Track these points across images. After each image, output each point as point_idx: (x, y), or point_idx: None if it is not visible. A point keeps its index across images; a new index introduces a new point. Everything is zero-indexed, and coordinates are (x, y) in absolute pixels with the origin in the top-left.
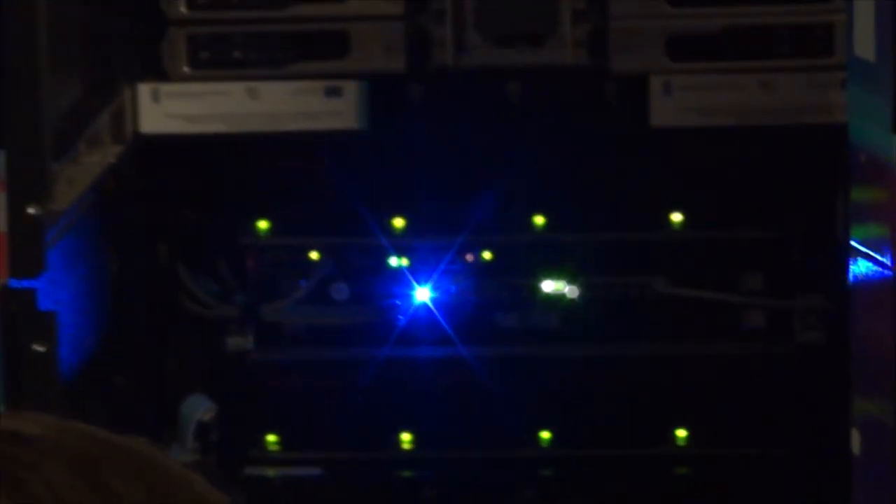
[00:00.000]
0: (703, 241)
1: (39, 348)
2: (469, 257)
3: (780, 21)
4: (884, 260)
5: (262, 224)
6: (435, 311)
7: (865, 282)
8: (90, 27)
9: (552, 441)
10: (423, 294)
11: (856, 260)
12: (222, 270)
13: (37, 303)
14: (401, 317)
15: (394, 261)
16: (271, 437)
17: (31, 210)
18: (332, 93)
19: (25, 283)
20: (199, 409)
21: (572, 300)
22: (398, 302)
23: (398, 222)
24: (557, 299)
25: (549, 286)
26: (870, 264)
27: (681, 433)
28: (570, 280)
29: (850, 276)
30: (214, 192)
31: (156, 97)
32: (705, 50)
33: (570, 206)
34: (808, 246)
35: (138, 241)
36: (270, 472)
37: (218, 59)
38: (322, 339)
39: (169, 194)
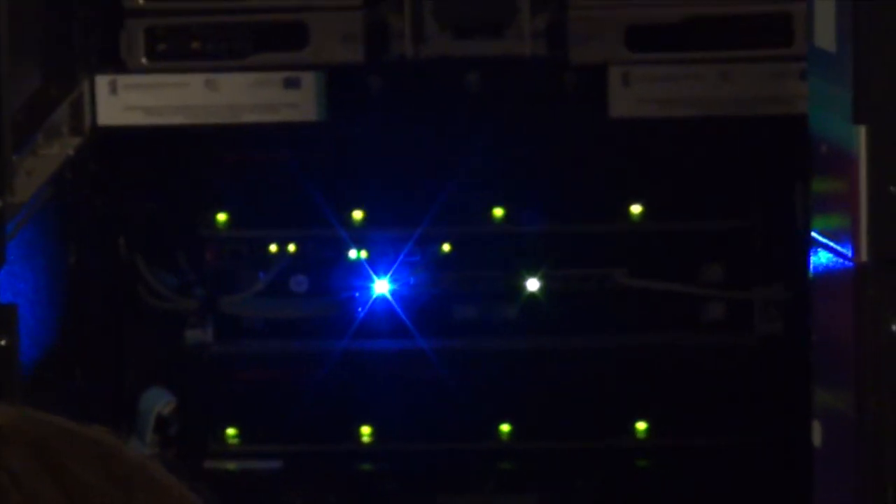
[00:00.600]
0: (662, 233)
1: (1, 342)
2: (428, 249)
3: (739, 11)
4: (844, 251)
5: (221, 216)
6: (394, 303)
7: (826, 273)
8: (49, 17)
9: (512, 434)
10: (382, 286)
11: (816, 251)
12: (181, 263)
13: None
14: (360, 309)
15: (353, 253)
16: (231, 431)
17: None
18: (291, 84)
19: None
20: (158, 402)
21: (532, 292)
22: (357, 294)
23: (357, 214)
24: (517, 291)
25: (508, 278)
26: (830, 255)
27: (641, 425)
28: (530, 272)
29: (811, 267)
30: (173, 185)
31: (114, 89)
32: (665, 40)
33: (530, 198)
34: (768, 237)
35: (97, 234)
36: (230, 465)
37: (176, 50)
38: (281, 331)
39: (128, 186)
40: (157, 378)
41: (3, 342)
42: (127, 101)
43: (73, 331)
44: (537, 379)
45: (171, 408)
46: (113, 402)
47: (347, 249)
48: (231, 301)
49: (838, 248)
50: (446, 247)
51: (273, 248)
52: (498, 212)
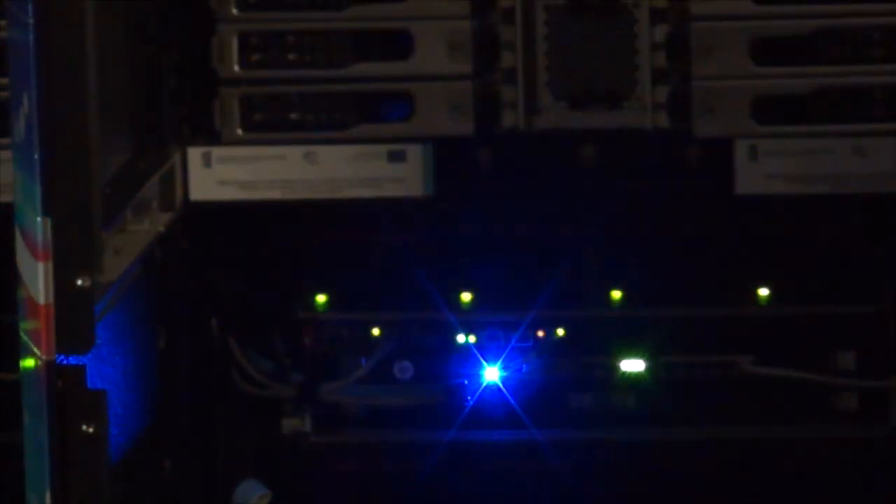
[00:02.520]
0: (791, 317)
1: (88, 429)
2: (541, 334)
3: (873, 81)
4: None
5: (320, 298)
6: (505, 391)
7: None
8: (139, 87)
9: None
10: (492, 373)
11: None
12: (277, 347)
13: (85, 380)
14: (468, 398)
15: (461, 338)
16: None
17: (79, 281)
18: (396, 157)
19: (73, 360)
20: (252, 495)
21: (651, 380)
22: (466, 382)
23: (465, 296)
24: (636, 379)
25: (627, 365)
26: None
27: None
28: (650, 359)
29: None
30: (269, 263)
31: (207, 161)
32: (794, 112)
33: (650, 280)
34: None
35: (188, 315)
36: None
37: (273, 120)
38: (385, 421)
39: (221, 265)
40: (251, 470)
41: (91, 430)
42: (221, 174)
43: (163, 419)
44: (657, 473)
45: (267, 502)
46: (204, 496)
47: (455, 334)
48: (331, 388)
49: None
50: (560, 331)
51: (376, 331)
52: (615, 294)
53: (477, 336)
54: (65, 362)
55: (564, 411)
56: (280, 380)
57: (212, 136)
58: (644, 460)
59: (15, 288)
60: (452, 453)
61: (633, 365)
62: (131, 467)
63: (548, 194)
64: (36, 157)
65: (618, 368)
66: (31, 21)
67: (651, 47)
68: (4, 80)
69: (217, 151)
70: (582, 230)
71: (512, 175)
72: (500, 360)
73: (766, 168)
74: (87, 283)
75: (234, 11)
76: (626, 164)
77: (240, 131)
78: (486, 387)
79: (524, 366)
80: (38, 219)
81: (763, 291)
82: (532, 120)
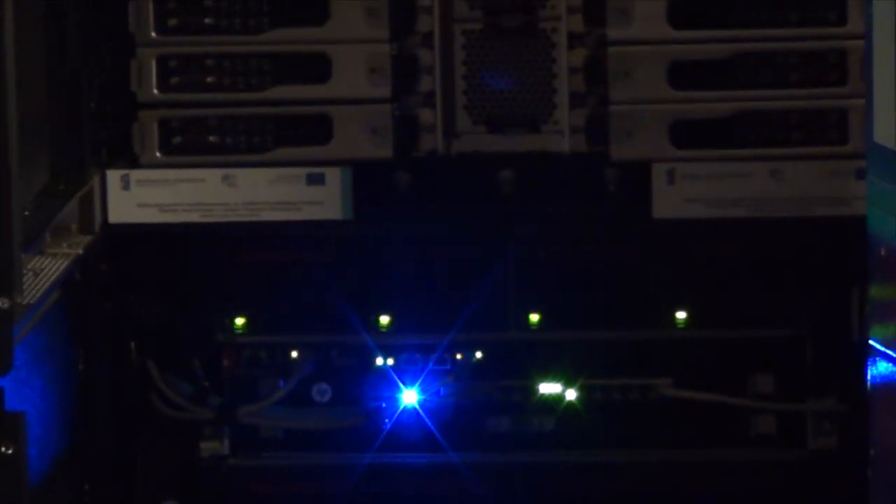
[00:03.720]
0: (709, 341)
1: (6, 450)
2: (459, 357)
3: (791, 106)
4: None
5: (239, 320)
6: (423, 414)
7: (885, 383)
8: (58, 109)
9: None
10: (410, 396)
11: (874, 360)
12: (196, 369)
13: (3, 402)
14: (386, 420)
15: (379, 361)
16: None
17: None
18: (315, 180)
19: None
20: None
21: (570, 403)
22: (384, 404)
23: (384, 319)
24: (554, 402)
25: (544, 388)
26: (890, 365)
27: None
28: (568, 382)
29: (869, 377)
30: (188, 286)
31: (126, 184)
32: (711, 136)
33: (568, 303)
34: (822, 345)
35: (107, 338)
36: None
37: (192, 143)
38: (302, 443)
39: (139, 288)
40: (170, 492)
41: (9, 451)
42: (140, 197)
43: (82, 441)
44: (575, 495)
45: None
46: None
47: (373, 357)
48: (249, 411)
49: None
50: (478, 354)
51: (294, 354)
52: (533, 317)
53: (395, 359)
54: None
55: (482, 434)
56: (199, 403)
57: (131, 159)
58: (562, 483)
59: None
60: (370, 476)
61: (550, 388)
62: (50, 490)
63: (467, 217)
64: None
65: (536, 392)
66: None
67: (569, 71)
68: None
69: (136, 174)
70: (500, 254)
71: (431, 198)
72: (418, 384)
73: (684, 192)
74: (6, 305)
75: (153, 35)
76: (545, 188)
77: (159, 154)
78: (404, 410)
79: (442, 389)
80: None
81: (681, 315)
82: (451, 143)
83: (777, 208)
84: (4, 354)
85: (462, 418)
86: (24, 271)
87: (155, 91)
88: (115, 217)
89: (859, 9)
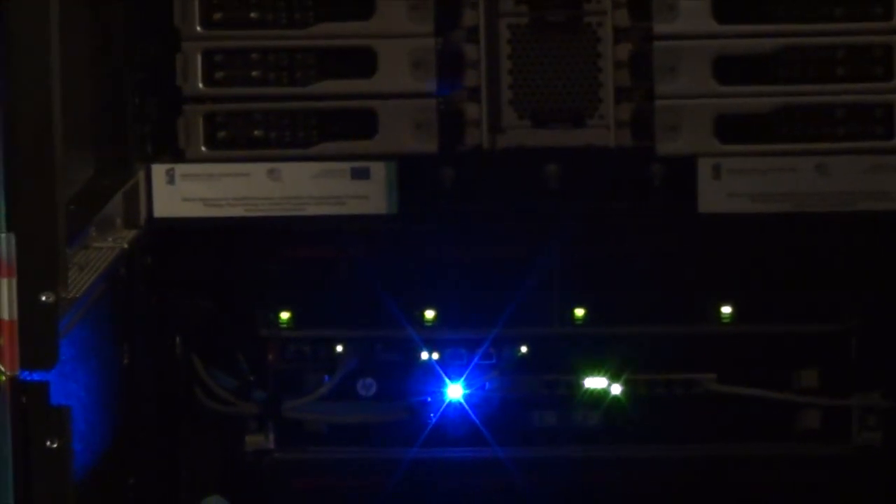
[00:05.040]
0: (754, 336)
1: (52, 444)
2: (504, 352)
3: (836, 101)
4: None
5: (284, 315)
6: (468, 408)
7: None
8: (103, 105)
9: None
10: (455, 391)
11: None
12: (241, 364)
13: (49, 396)
14: (431, 415)
15: (424, 355)
16: None
17: (43, 297)
18: (360, 175)
19: (37, 376)
20: None
21: (614, 398)
22: (428, 399)
23: (429, 314)
24: (599, 397)
25: (589, 383)
26: None
27: None
28: (612, 377)
29: None
30: (232, 280)
31: (171, 178)
32: (757, 131)
33: (613, 298)
34: (867, 341)
35: (152, 333)
36: None
37: (237, 138)
38: (347, 437)
39: (184, 282)
40: (214, 486)
41: (55, 445)
42: (184, 191)
43: (127, 436)
44: (619, 489)
45: None
46: None
47: (418, 351)
48: (293, 405)
49: None
50: (524, 349)
51: (339, 348)
52: (578, 312)
53: (440, 353)
54: (29, 378)
55: (527, 429)
56: (243, 397)
57: (176, 154)
58: (606, 477)
59: None
60: (414, 471)
61: (595, 383)
62: (96, 484)
63: (511, 212)
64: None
65: (580, 386)
66: None
67: (614, 66)
68: None
69: (181, 168)
70: (545, 248)
71: (475, 193)
72: (463, 378)
73: (729, 186)
74: (52, 300)
75: (199, 29)
76: (589, 182)
77: (203, 148)
78: (449, 404)
79: (487, 384)
80: (2, 235)
81: (726, 310)
82: (496, 138)
83: (822, 203)
84: (50, 349)
85: (507, 413)
86: (70, 266)
87: (200, 85)
88: (160, 211)
89: None
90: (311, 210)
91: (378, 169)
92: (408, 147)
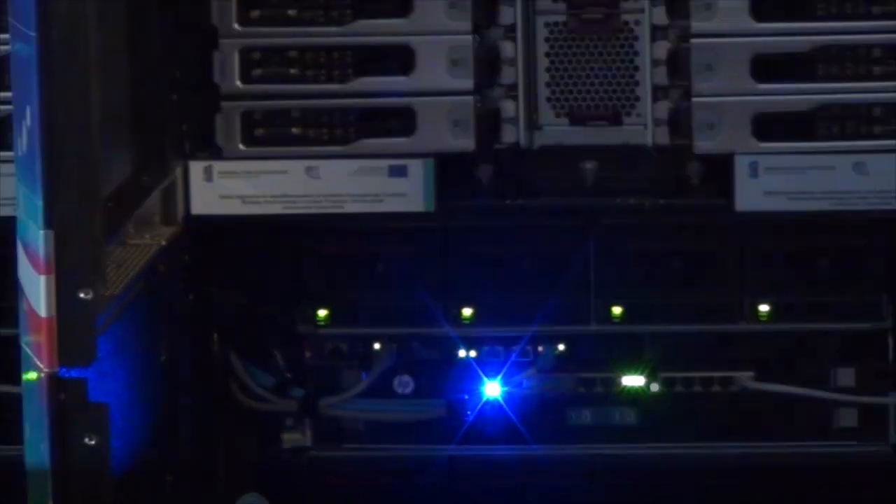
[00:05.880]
0: (791, 334)
1: (90, 441)
2: (541, 349)
3: (873, 98)
4: None
5: (321, 312)
6: (505, 406)
7: None
8: (141, 102)
9: None
10: (492, 389)
11: None
12: (278, 361)
13: (87, 393)
14: (469, 413)
15: (461, 353)
16: None
17: (81, 294)
18: (397, 172)
19: (75, 373)
20: None
21: (652, 396)
22: (466, 397)
23: (466, 311)
24: (636, 395)
25: (627, 381)
26: None
27: None
28: (650, 374)
29: None
30: (270, 278)
31: (209, 175)
32: (794, 129)
33: (650, 295)
34: None
35: (189, 329)
36: None
37: (275, 135)
38: (384, 435)
39: (221, 279)
40: (251, 484)
41: (93, 442)
42: (222, 188)
43: (164, 433)
44: (656, 488)
45: None
46: None
47: (456, 349)
48: (331, 402)
49: None
50: (561, 347)
51: (376, 346)
52: (616, 310)
53: (477, 351)
54: (67, 375)
55: (564, 427)
56: (281, 394)
57: (214, 151)
58: (643, 475)
59: (15, 301)
60: (452, 468)
61: (632, 381)
62: (133, 481)
63: (548, 210)
64: (38, 170)
65: (618, 384)
66: (33, 35)
67: (652, 64)
68: (6, 95)
69: (219, 166)
70: (583, 246)
71: (512, 190)
72: (501, 376)
73: (766, 185)
74: (90, 296)
75: (236, 27)
76: (627, 180)
77: (241, 146)
78: (487, 402)
79: (524, 381)
80: (41, 232)
81: (763, 308)
82: (533, 136)
83: (860, 201)
84: (88, 345)
85: (544, 410)
86: (108, 263)
87: (238, 83)
88: (197, 209)
89: None
90: (349, 208)
91: (415, 166)
92: (445, 145)
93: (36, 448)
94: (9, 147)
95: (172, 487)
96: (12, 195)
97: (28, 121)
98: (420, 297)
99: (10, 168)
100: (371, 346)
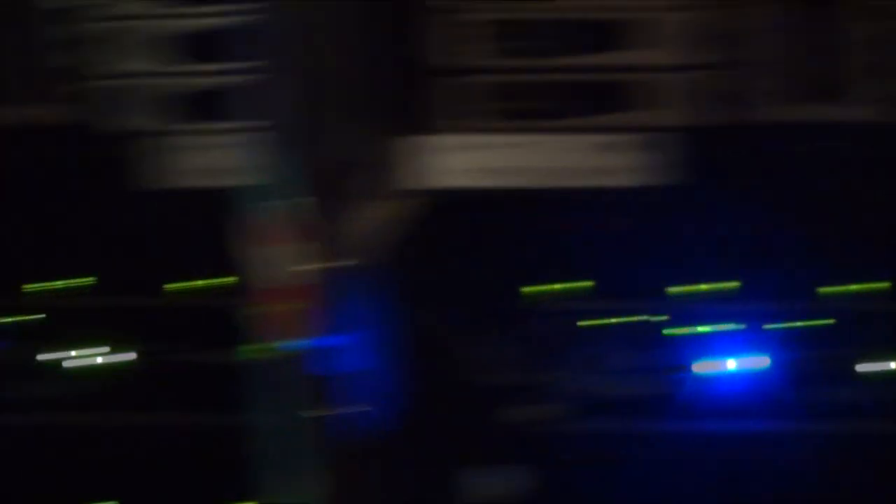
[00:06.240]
0: None
1: (352, 409)
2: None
3: None
4: None
5: (555, 286)
6: (738, 382)
7: None
8: (373, 84)
9: None
10: (729, 364)
11: None
12: (507, 335)
13: (333, 364)
14: (706, 388)
15: (699, 328)
16: None
17: (329, 264)
18: (628, 147)
19: (322, 343)
20: (494, 483)
21: (863, 375)
22: (698, 373)
23: (692, 287)
24: (872, 376)
25: (848, 359)
26: None
27: None
28: (865, 356)
29: None
30: (502, 252)
31: (441, 150)
32: None
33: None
34: None
35: (422, 302)
36: None
37: (503, 109)
38: (615, 409)
39: (456, 252)
40: (485, 458)
41: (355, 410)
42: (453, 162)
43: (412, 402)
44: (874, 466)
45: (510, 489)
46: (442, 484)
47: (692, 325)
48: (561, 377)
49: None
50: (795, 324)
51: (610, 320)
52: (884, 284)
53: (710, 326)
54: (314, 345)
55: (796, 404)
56: (512, 368)
57: (447, 126)
58: (874, 452)
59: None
60: (678, 443)
61: (870, 367)
62: (389, 446)
63: (788, 183)
64: (289, 144)
65: (843, 361)
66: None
67: (868, 43)
68: (214, 67)
69: (447, 140)
70: (821, 223)
71: (740, 166)
72: (735, 353)
73: None
74: (333, 267)
75: (458, 5)
76: (848, 158)
77: (477, 120)
78: (721, 376)
79: (757, 358)
80: (284, 203)
81: None
82: (758, 112)
83: None
84: (333, 315)
85: (775, 387)
86: (348, 234)
87: (481, 59)
88: (435, 182)
89: None
90: (582, 181)
91: (645, 142)
92: (673, 121)
93: (274, 419)
94: (228, 118)
95: (420, 454)
96: (228, 166)
97: (279, 97)
98: (648, 273)
99: (229, 139)
100: (602, 322)
